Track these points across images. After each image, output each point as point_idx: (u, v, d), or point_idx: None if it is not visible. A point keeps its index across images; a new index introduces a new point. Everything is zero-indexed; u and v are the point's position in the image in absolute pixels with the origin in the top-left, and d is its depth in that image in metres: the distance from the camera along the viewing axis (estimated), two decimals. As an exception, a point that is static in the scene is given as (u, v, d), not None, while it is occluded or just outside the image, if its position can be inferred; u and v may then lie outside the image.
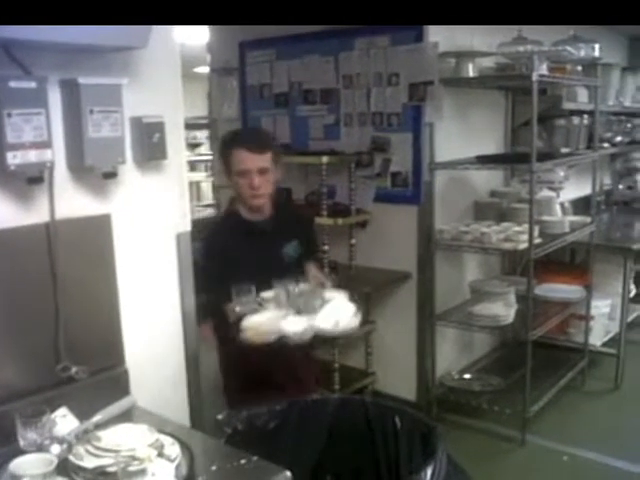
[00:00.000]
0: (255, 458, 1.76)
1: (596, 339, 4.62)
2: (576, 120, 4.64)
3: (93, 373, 1.99)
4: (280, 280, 2.47)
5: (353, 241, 4.04)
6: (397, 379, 4.09)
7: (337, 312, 2.44)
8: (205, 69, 5.08)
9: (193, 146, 7.32)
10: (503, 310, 3.82)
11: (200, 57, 4.84)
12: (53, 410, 1.77)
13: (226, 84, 4.65)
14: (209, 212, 6.21)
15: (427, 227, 3.89)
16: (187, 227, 2.31)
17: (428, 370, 4.06)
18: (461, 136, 4.07)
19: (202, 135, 7.55)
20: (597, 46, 4.23)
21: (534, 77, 3.42)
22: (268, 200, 2.70)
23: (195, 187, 7.53)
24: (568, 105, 4.61)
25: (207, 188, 7.77)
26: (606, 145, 5.07)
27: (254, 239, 2.65)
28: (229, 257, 2.61)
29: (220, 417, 2.34)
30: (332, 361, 3.81)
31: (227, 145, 2.69)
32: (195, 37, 4.91)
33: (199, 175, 7.35)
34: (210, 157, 6.46)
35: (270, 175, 2.63)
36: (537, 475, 3.51)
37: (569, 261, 5.06)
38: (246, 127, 4.46)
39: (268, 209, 2.73)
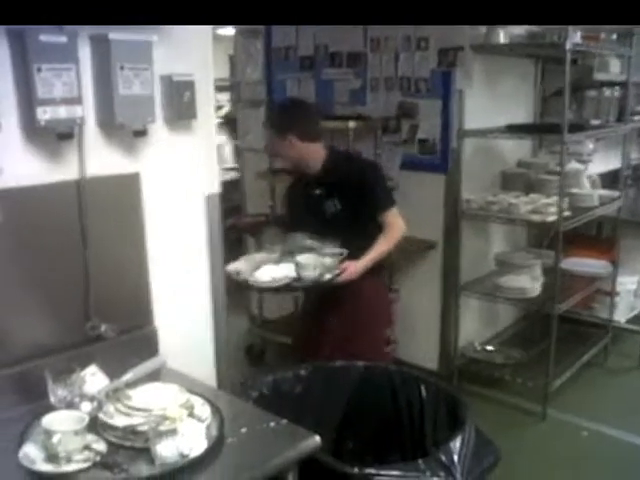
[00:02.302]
0: (285, 421, 1.76)
1: (620, 315, 4.56)
2: (607, 92, 4.53)
3: (122, 332, 1.99)
4: (322, 233, 2.87)
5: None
6: (419, 348, 4.07)
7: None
8: (227, 31, 4.99)
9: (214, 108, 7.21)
10: (529, 283, 3.78)
11: (223, 18, 4.76)
12: (83, 368, 1.76)
13: (251, 46, 4.58)
14: (232, 175, 6.14)
15: (454, 196, 3.84)
16: (216, 189, 2.28)
17: (451, 340, 4.04)
18: (489, 104, 3.98)
19: (223, 98, 7.41)
20: (634, 14, 4.10)
21: (568, 46, 3.31)
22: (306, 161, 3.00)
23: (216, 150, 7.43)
24: (599, 76, 4.50)
25: (228, 151, 7.67)
26: (637, 118, 4.95)
27: (305, 193, 3.03)
28: (289, 206, 3.26)
29: (245, 381, 2.33)
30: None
31: None
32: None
33: (220, 138, 7.26)
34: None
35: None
36: (557, 449, 3.47)
37: (595, 235, 4.99)
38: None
39: (316, 167, 2.98)
